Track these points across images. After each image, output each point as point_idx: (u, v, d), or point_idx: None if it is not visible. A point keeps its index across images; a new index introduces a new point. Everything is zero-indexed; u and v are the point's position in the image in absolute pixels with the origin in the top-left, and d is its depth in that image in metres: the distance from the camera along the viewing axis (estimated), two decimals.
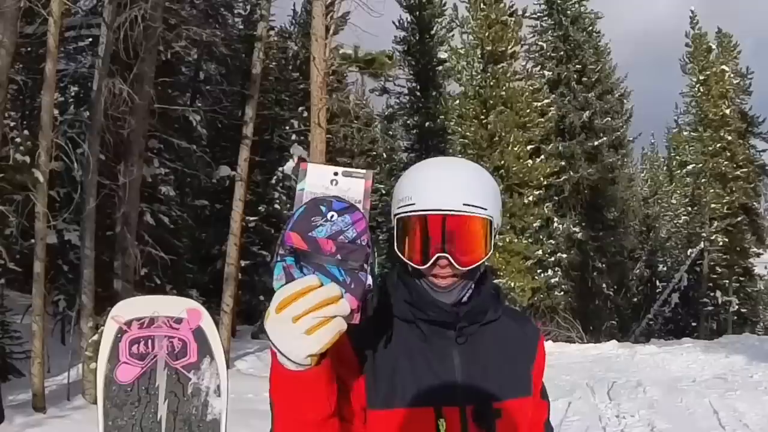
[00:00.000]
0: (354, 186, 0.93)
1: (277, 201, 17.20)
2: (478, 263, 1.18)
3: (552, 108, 21.64)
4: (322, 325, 0.85)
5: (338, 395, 1.03)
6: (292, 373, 0.91)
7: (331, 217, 0.90)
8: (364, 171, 0.95)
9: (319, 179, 0.93)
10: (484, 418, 1.17)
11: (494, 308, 1.26)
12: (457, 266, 1.15)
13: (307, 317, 0.85)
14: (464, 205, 1.14)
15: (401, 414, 1.14)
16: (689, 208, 28.45)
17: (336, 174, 0.94)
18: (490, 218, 1.17)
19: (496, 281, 15.11)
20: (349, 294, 0.88)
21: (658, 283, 29.94)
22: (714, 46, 27.26)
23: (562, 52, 23.54)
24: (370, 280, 0.91)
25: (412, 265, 1.18)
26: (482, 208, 1.16)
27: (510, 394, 1.21)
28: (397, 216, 1.19)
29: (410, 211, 1.17)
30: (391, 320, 1.21)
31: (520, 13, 21.26)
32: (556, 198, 21.84)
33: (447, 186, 1.16)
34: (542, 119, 20.70)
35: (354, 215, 0.91)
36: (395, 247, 1.19)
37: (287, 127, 17.86)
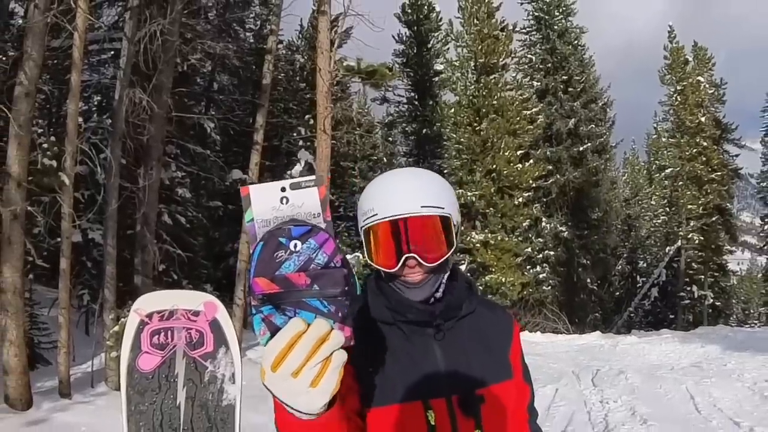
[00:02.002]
0: (307, 198, 0.78)
1: None
2: (444, 258, 1.18)
3: (540, 116, 21.65)
4: (324, 371, 0.74)
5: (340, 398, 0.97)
6: (306, 424, 0.82)
7: (295, 246, 0.75)
8: (313, 178, 0.79)
9: (266, 202, 0.78)
10: (470, 405, 1.17)
11: (469, 301, 1.26)
12: (424, 264, 1.16)
13: (306, 369, 0.74)
14: (422, 207, 1.15)
15: (393, 410, 1.14)
16: (667, 209, 28.45)
17: (284, 189, 0.78)
18: (448, 215, 1.18)
19: (488, 277, 15.01)
20: (338, 323, 0.75)
21: (638, 278, 29.95)
22: (690, 59, 27.30)
23: (549, 64, 23.57)
24: (359, 285, 0.80)
25: (385, 270, 1.18)
26: (439, 207, 1.17)
27: (492, 379, 1.21)
28: (363, 228, 1.20)
29: (374, 221, 1.17)
30: (374, 325, 1.21)
31: (510, 27, 21.26)
32: (544, 199, 21.86)
33: (404, 192, 1.17)
34: (531, 126, 20.71)
35: (318, 237, 0.76)
36: (366, 258, 1.20)
37: (295, 134, 17.85)
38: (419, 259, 1.15)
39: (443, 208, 1.17)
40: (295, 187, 0.79)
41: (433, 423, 1.14)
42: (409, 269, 1.17)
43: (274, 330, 0.75)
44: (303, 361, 0.73)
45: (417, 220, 1.15)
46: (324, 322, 0.74)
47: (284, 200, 0.78)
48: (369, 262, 1.20)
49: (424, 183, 1.20)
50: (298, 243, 0.76)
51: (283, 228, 0.76)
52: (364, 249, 1.21)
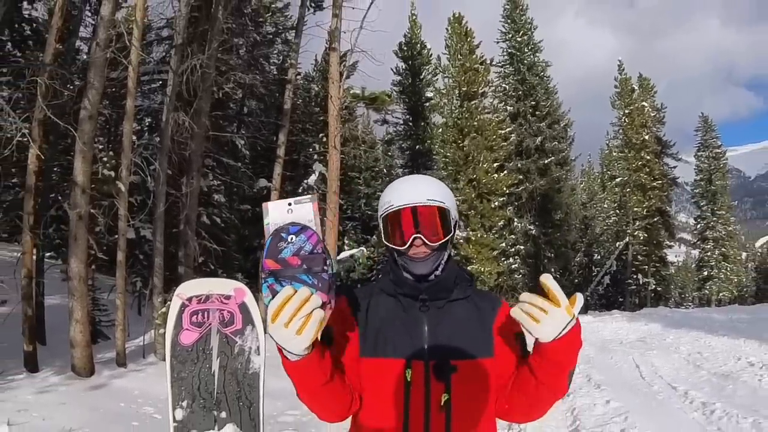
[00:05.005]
0: (304, 210, 0.97)
1: None
2: (443, 240, 1.21)
3: (512, 135, 21.65)
4: (306, 324, 0.92)
5: (340, 347, 1.18)
6: (295, 363, 1.02)
7: (291, 239, 0.94)
8: (308, 197, 0.98)
9: (278, 213, 0.97)
10: (443, 371, 1.17)
11: (463, 289, 1.25)
12: (428, 243, 1.19)
13: (293, 321, 0.91)
14: (428, 199, 1.20)
15: (382, 362, 1.18)
16: (617, 211, 28.44)
17: (290, 204, 0.97)
18: (448, 208, 1.22)
19: (469, 267, 14.99)
20: (318, 291, 0.93)
21: (593, 268, 29.93)
22: (636, 87, 27.32)
23: (520, 92, 23.58)
24: (336, 267, 0.95)
25: (396, 248, 1.21)
26: (441, 201, 1.21)
27: (469, 355, 1.19)
28: (382, 216, 1.24)
29: (390, 210, 1.21)
30: (381, 295, 1.25)
31: (488, 62, 21.26)
32: (516, 203, 21.85)
33: (414, 188, 1.22)
34: (505, 143, 20.70)
35: (306, 233, 0.95)
36: (383, 239, 1.24)
37: (310, 149, 17.85)
38: (424, 239, 1.18)
39: (444, 203, 1.21)
40: (297, 203, 0.98)
41: (409, 380, 1.16)
42: (415, 248, 1.19)
43: (275, 294, 0.92)
44: (291, 315, 0.91)
45: (423, 209, 1.19)
46: (307, 289, 0.92)
47: (289, 211, 0.97)
48: (384, 243, 1.24)
49: (430, 184, 1.25)
50: (293, 237, 0.94)
51: (284, 227, 0.95)
52: (382, 233, 1.25)
